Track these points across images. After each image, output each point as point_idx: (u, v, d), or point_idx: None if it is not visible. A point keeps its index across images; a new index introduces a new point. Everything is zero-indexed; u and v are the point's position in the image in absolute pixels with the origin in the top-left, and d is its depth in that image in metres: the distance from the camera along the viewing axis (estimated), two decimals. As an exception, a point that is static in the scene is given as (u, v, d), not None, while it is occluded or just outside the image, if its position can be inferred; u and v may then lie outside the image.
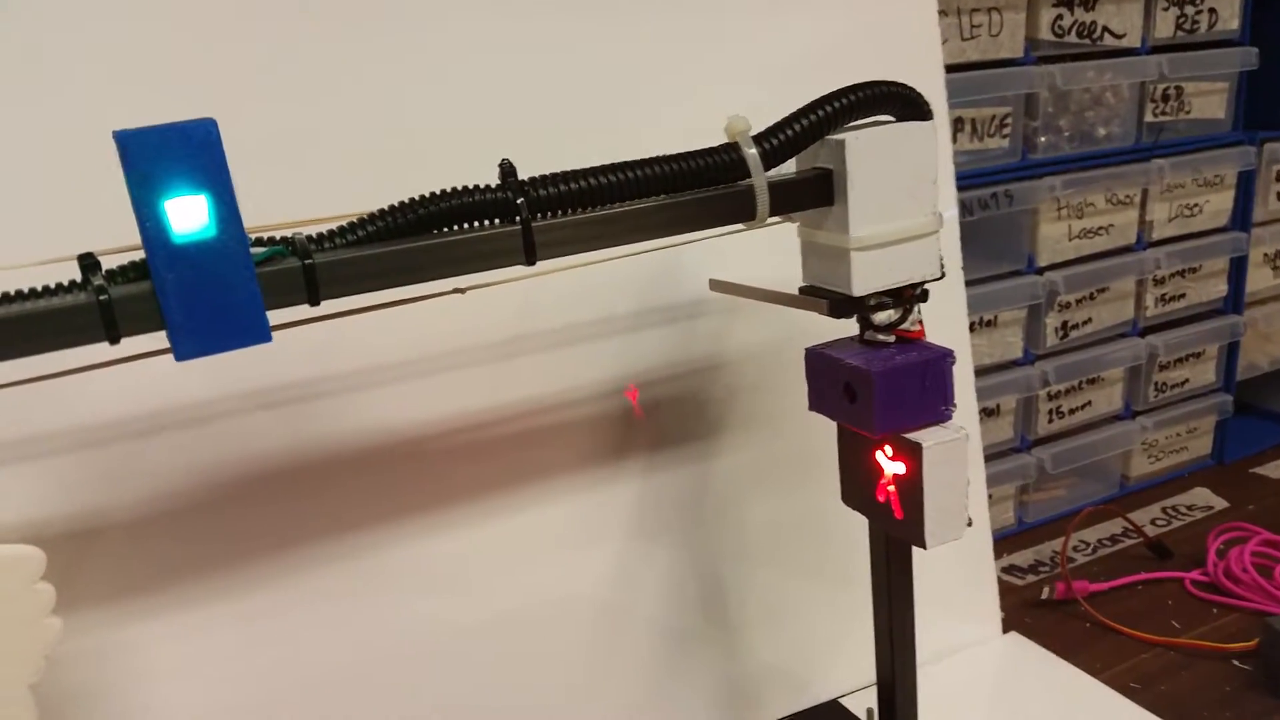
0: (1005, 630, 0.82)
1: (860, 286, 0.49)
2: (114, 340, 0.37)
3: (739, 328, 0.66)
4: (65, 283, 0.38)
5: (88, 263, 0.38)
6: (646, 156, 0.45)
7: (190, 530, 0.52)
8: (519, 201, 0.43)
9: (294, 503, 0.53)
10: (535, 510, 0.61)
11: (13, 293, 0.37)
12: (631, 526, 0.64)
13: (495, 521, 0.60)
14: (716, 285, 0.58)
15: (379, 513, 0.56)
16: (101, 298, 0.37)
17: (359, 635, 0.56)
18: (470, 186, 0.42)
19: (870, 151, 0.48)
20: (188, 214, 0.36)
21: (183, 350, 0.37)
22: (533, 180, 0.43)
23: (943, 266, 0.51)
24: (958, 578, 0.78)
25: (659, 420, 0.64)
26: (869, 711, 0.62)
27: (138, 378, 0.47)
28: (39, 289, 0.37)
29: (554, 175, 0.44)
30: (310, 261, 0.39)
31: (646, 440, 0.64)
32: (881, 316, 0.51)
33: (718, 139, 0.46)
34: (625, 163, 0.45)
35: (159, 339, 0.39)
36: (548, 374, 0.60)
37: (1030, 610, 0.88)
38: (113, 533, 0.46)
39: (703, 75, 0.62)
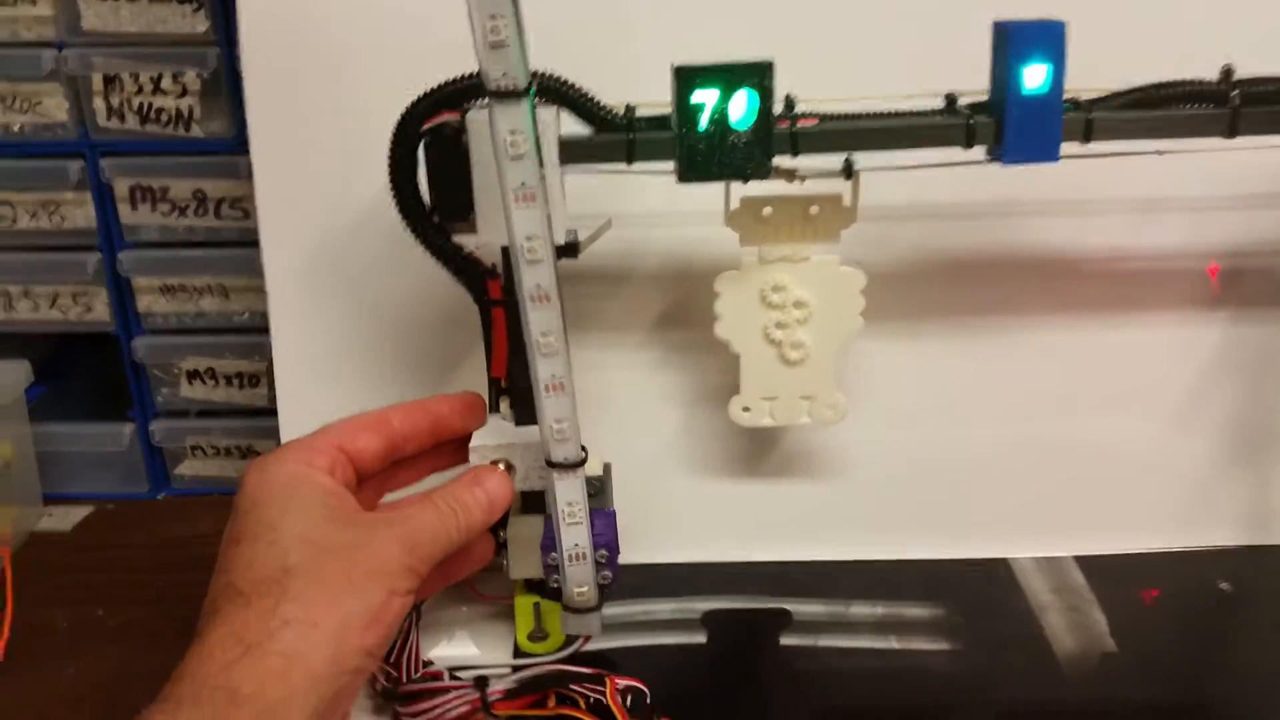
0: None
1: None
2: (968, 146, 0.62)
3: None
4: (938, 108, 0.63)
5: (952, 99, 0.64)
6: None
7: (914, 288, 0.79)
8: (1233, 94, 0.62)
9: (988, 285, 0.79)
10: (1133, 332, 0.81)
11: (894, 111, 0.63)
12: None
13: (1103, 334, 0.81)
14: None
15: (1044, 305, 0.80)
16: (970, 121, 0.61)
17: (997, 382, 0.81)
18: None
19: None
20: (1033, 76, 0.60)
21: (1010, 158, 0.61)
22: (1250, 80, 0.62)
23: None
24: None
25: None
26: None
27: (922, 181, 0.72)
28: (916, 110, 0.63)
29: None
30: (1090, 116, 0.61)
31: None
32: None
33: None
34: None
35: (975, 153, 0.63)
36: (1183, 232, 0.79)
37: None
38: (880, 280, 0.72)
39: None
